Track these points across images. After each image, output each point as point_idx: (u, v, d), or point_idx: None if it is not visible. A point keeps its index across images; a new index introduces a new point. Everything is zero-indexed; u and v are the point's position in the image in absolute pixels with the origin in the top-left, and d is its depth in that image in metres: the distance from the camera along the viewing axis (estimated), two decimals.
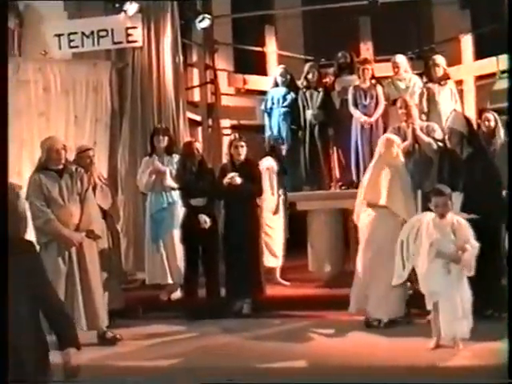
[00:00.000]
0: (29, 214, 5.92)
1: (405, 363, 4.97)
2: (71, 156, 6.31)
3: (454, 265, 5.16)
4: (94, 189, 6.43)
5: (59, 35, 8.21)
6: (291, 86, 8.62)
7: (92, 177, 6.48)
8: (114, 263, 6.80)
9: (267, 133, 8.62)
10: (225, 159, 7.26)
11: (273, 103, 8.61)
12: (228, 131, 10.08)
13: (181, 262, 7.13)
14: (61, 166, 5.91)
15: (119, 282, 6.91)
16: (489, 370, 4.64)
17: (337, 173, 8.59)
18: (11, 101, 7.64)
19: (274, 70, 9.57)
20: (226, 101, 10.34)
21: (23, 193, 6.16)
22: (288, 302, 7.16)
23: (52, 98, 8.03)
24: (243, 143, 6.80)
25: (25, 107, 7.92)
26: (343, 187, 8.36)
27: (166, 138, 7.25)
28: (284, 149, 8.31)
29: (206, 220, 6.69)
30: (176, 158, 7.17)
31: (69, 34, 8.20)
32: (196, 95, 10.14)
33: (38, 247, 5.85)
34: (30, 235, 5.98)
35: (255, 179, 6.86)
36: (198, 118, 9.98)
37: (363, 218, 6.25)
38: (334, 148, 8.59)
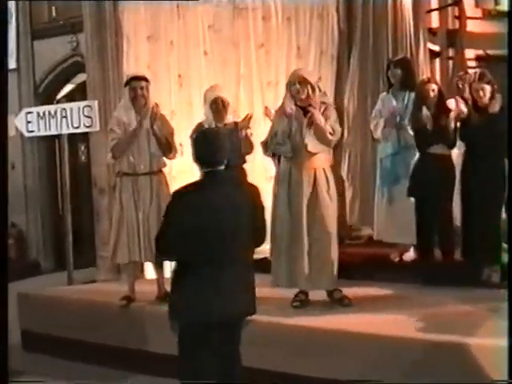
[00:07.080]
0: None
1: None
2: None
3: None
4: None
5: None
6: None
7: None
8: None
9: None
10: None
11: None
12: (473, 63, 9.05)
13: (413, 218, 6.32)
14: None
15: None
16: None
17: None
18: (227, 32, 7.70)
19: None
20: (471, 26, 9.24)
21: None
22: None
23: (272, 27, 7.72)
24: (485, 85, 5.67)
25: (242, 38, 7.64)
26: None
27: (402, 72, 6.45)
28: None
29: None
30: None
31: None
32: (434, 21, 9.13)
33: None
34: None
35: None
36: (435, 47, 9.00)
37: None
38: None
